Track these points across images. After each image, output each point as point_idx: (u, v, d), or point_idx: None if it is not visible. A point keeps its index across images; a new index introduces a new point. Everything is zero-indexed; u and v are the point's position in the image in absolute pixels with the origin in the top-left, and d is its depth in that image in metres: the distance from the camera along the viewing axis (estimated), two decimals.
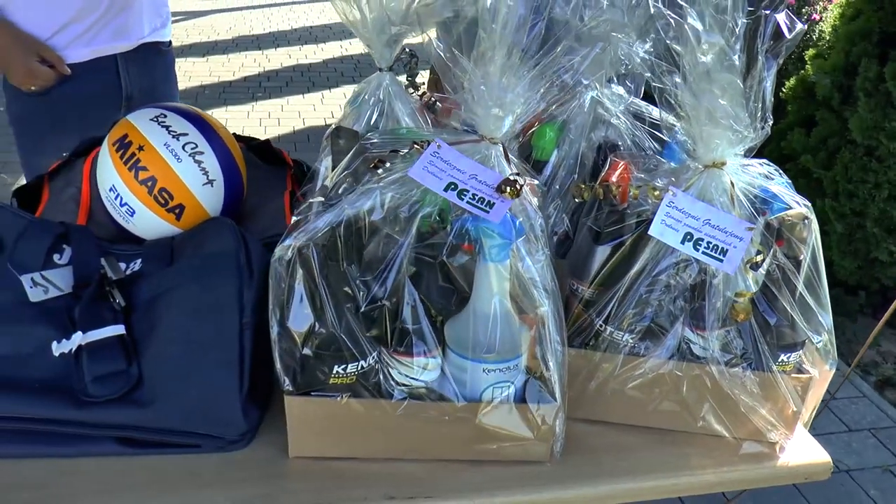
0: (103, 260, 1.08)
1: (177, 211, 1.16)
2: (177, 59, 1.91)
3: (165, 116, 1.18)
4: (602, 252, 1.09)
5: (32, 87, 1.82)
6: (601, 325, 1.07)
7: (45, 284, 1.05)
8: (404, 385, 0.97)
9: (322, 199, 0.95)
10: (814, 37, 3.36)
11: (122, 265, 1.09)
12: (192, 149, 1.15)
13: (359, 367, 0.95)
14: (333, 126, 1.18)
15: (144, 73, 1.96)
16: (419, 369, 0.96)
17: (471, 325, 0.94)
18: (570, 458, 1.03)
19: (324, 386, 0.95)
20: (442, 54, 0.94)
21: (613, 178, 1.11)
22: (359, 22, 1.18)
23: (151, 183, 1.14)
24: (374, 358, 0.96)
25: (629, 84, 1.27)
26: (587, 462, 1.04)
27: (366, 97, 1.23)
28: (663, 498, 1.06)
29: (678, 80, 1.01)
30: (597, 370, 1.07)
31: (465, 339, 0.95)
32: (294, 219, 0.95)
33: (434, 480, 0.98)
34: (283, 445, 1.01)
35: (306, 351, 0.92)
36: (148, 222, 1.16)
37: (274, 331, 0.94)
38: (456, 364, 0.97)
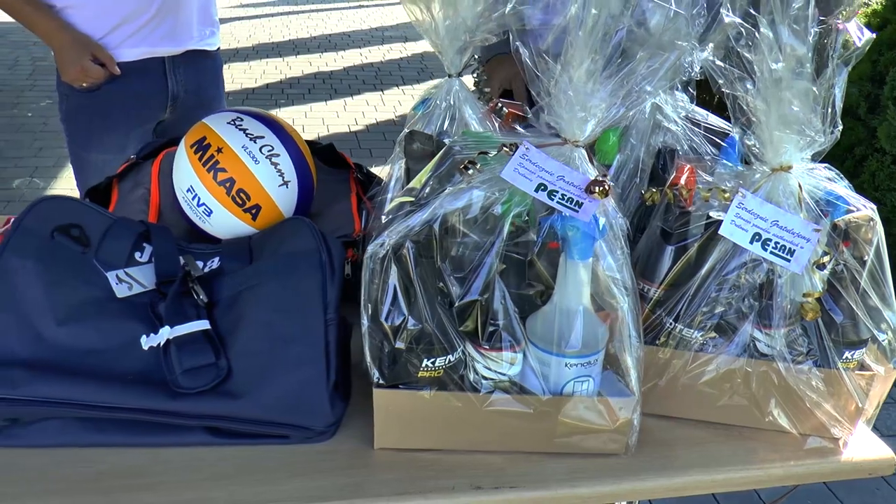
0: (181, 258, 1.12)
1: (253, 211, 1.19)
2: None
3: (242, 120, 1.21)
4: (672, 253, 1.12)
5: (84, 85, 1.87)
6: (670, 323, 1.11)
7: (130, 281, 1.09)
8: (490, 379, 1.00)
9: (411, 198, 0.99)
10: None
11: (200, 263, 1.13)
12: (268, 151, 1.19)
13: (447, 361, 0.98)
14: (407, 130, 1.22)
15: (191, 75, 2.01)
16: (506, 364, 0.99)
17: (556, 320, 0.98)
18: (643, 450, 1.06)
19: (411, 379, 0.98)
20: (528, 59, 0.97)
21: (682, 181, 1.14)
22: (432, 29, 1.22)
23: (230, 184, 1.18)
24: (460, 352, 0.99)
25: (691, 91, 1.31)
26: (660, 455, 1.07)
27: (437, 102, 1.26)
28: (727, 492, 1.09)
29: (749, 86, 1.05)
30: (667, 367, 1.10)
31: (549, 335, 0.98)
32: (384, 218, 0.98)
33: (515, 471, 1.01)
34: (365, 437, 1.04)
35: (398, 345, 0.95)
36: (224, 222, 1.20)
37: (364, 325, 0.98)
38: (539, 358, 1.00)
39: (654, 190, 1.15)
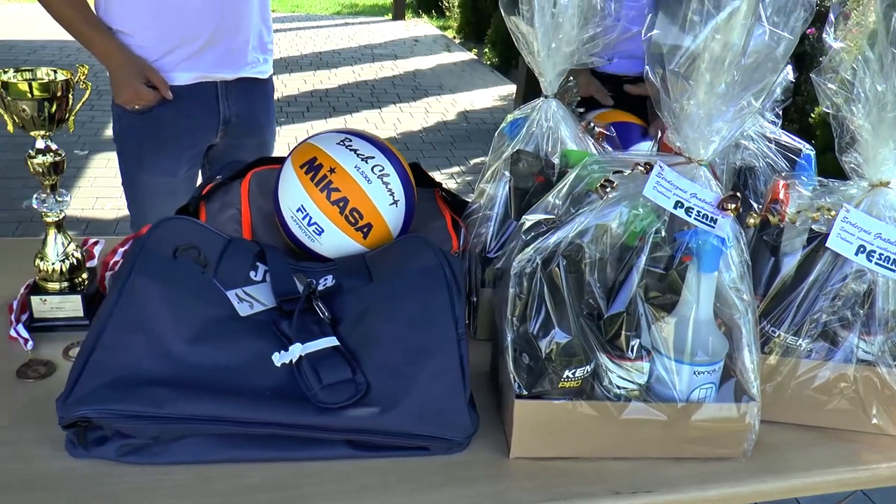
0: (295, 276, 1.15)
1: (365, 230, 1.23)
2: None
3: (351, 140, 1.25)
4: (774, 265, 1.17)
5: (136, 107, 1.90)
6: (773, 331, 1.16)
7: (250, 300, 1.12)
8: (623, 388, 1.04)
9: (548, 216, 1.03)
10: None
11: (311, 281, 1.16)
12: (379, 171, 1.23)
13: (586, 372, 1.02)
14: (514, 150, 1.26)
15: (243, 101, 2.04)
16: (637, 373, 1.03)
17: (688, 330, 1.02)
18: (757, 454, 1.11)
19: (553, 390, 1.02)
20: (657, 80, 1.02)
21: (780, 197, 1.20)
22: (534, 51, 1.26)
23: (343, 203, 1.21)
24: (594, 362, 1.03)
25: (777, 110, 1.36)
26: (773, 458, 1.12)
27: (537, 121, 1.30)
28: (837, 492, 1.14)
29: (854, 107, 1.11)
30: (774, 373, 1.15)
31: (680, 344, 1.03)
32: (525, 235, 1.02)
33: (646, 476, 1.05)
34: (497, 447, 1.08)
35: (546, 357, 0.99)
36: (335, 241, 1.23)
37: (507, 338, 1.02)
38: (667, 367, 1.04)
39: (754, 213, 1.19)
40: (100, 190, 4.57)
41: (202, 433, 1.00)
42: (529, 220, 1.05)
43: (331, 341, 1.05)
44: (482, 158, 5.44)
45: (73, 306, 1.29)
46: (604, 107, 2.02)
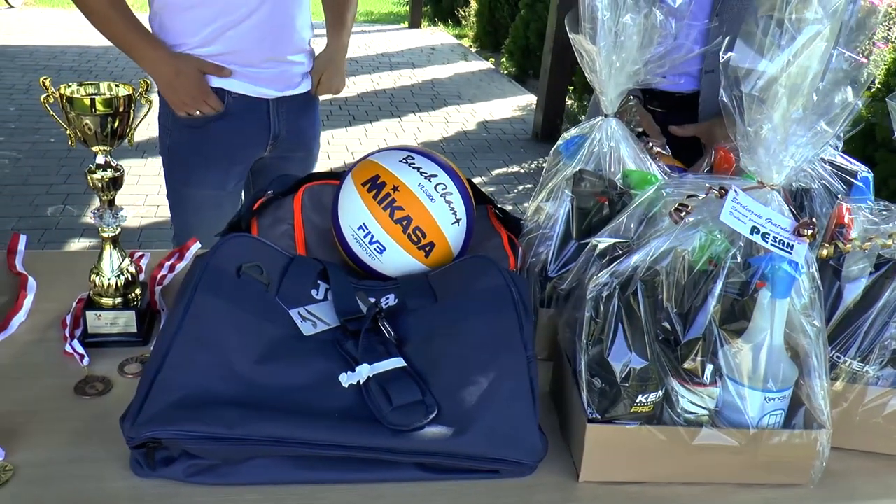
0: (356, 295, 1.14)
1: (427, 249, 1.22)
2: None
3: (413, 158, 1.24)
4: (839, 291, 1.16)
5: (197, 113, 1.89)
6: (838, 357, 1.14)
7: (313, 319, 1.11)
8: (692, 413, 1.03)
9: (621, 239, 1.02)
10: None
11: (372, 300, 1.15)
12: (442, 189, 1.22)
13: (657, 397, 1.01)
14: (577, 170, 1.25)
15: (293, 116, 2.04)
16: (709, 398, 1.02)
17: (761, 356, 1.01)
18: (824, 480, 1.09)
19: (626, 415, 1.01)
20: (730, 102, 1.01)
21: (845, 221, 1.18)
22: (596, 70, 1.26)
23: (406, 222, 1.20)
24: (665, 387, 1.02)
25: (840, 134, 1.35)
26: (841, 485, 1.11)
27: (598, 140, 1.30)
28: None
29: None
30: (840, 400, 1.14)
31: (752, 370, 1.02)
32: (600, 259, 1.01)
33: (717, 502, 1.04)
34: (563, 470, 1.07)
35: (622, 382, 0.98)
36: (397, 259, 1.22)
37: (581, 362, 1.01)
38: (739, 393, 1.03)
39: (828, 245, 1.18)
40: (123, 198, 4.55)
41: (272, 455, 0.99)
42: (602, 242, 1.04)
43: (398, 362, 1.04)
44: (504, 169, 5.43)
45: (126, 322, 1.29)
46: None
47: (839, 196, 1.36)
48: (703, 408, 1.03)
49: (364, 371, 1.02)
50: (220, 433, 0.94)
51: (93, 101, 1.17)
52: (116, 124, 1.19)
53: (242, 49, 1.89)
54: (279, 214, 1.41)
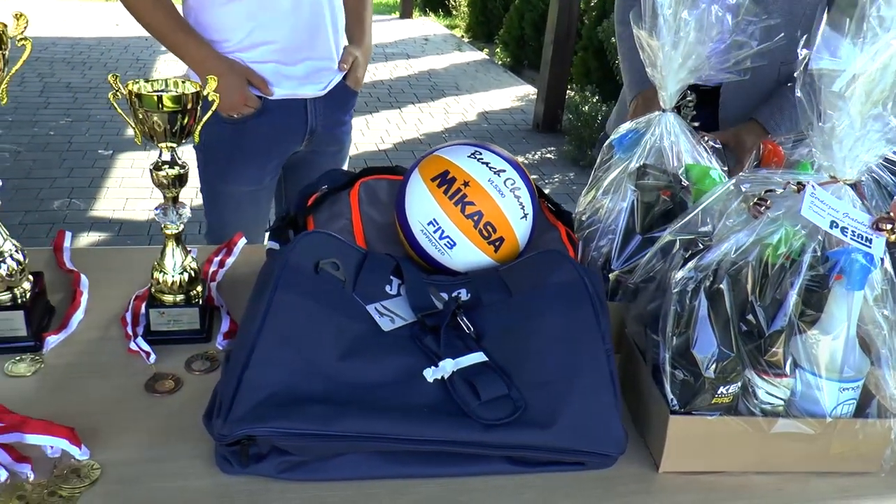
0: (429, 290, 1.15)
1: (497, 244, 1.23)
2: None
3: (481, 153, 1.25)
4: None
5: (237, 115, 1.89)
6: None
7: (390, 314, 1.12)
8: (768, 403, 1.05)
9: (700, 233, 1.04)
10: None
11: (444, 295, 1.16)
12: (511, 184, 1.23)
13: (737, 388, 1.03)
14: (640, 164, 1.27)
15: (329, 110, 2.05)
16: (785, 389, 1.04)
17: (838, 348, 1.03)
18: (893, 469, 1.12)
19: (707, 406, 1.02)
20: (806, 97, 1.02)
21: None
22: (658, 66, 1.27)
23: (478, 217, 1.21)
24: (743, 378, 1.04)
25: None
26: None
27: (657, 135, 1.31)
28: None
29: None
30: None
31: (828, 361, 1.04)
32: (681, 251, 1.03)
33: (792, 490, 1.06)
34: (639, 460, 1.09)
35: (708, 374, 0.99)
36: (467, 254, 1.23)
37: (662, 355, 1.02)
38: (815, 384, 1.05)
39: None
40: (128, 191, 4.56)
41: (362, 450, 1.00)
42: (681, 236, 1.06)
43: (479, 357, 1.06)
44: None
45: (190, 319, 1.29)
46: None
47: (883, 188, 1.38)
48: (779, 398, 1.05)
49: (448, 366, 1.03)
50: (315, 430, 0.95)
51: (160, 97, 1.16)
52: (186, 121, 1.18)
53: (279, 45, 1.89)
54: (335, 210, 1.41)
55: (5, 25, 1.12)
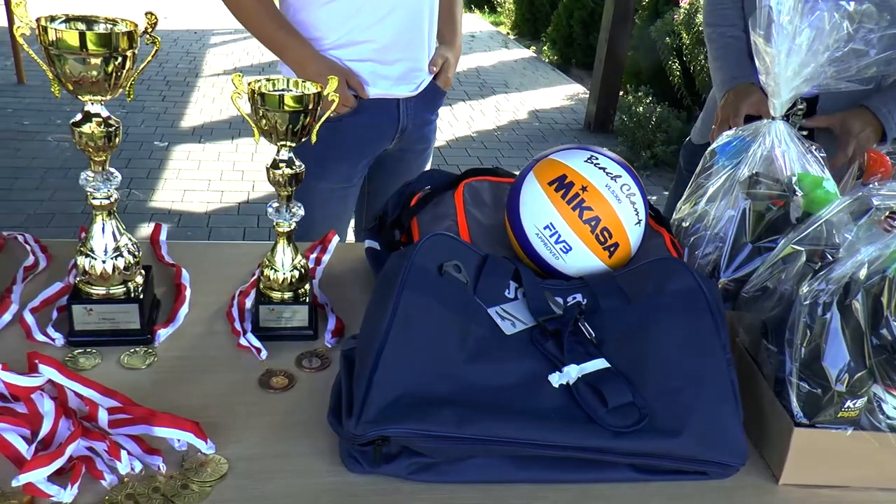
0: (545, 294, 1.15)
1: (611, 249, 1.23)
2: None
3: (597, 158, 1.25)
4: None
5: (334, 114, 1.92)
6: None
7: (511, 318, 1.12)
8: (893, 418, 1.04)
9: (820, 246, 1.03)
10: None
11: (559, 299, 1.16)
12: (626, 190, 1.23)
13: (863, 402, 1.02)
14: (752, 172, 1.26)
15: (419, 110, 2.06)
16: None
17: None
18: None
19: (832, 419, 1.02)
20: None
21: None
22: (772, 73, 1.26)
23: (595, 222, 1.21)
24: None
25: None
26: None
27: (767, 143, 1.30)
28: None
29: None
30: None
31: None
32: (808, 263, 1.02)
33: None
34: (758, 472, 1.09)
35: (838, 388, 0.99)
36: (583, 259, 1.23)
37: (788, 367, 1.02)
38: None
39: None
40: (185, 183, 4.61)
41: (493, 454, 1.00)
42: (806, 248, 1.05)
43: (602, 363, 1.06)
44: None
45: (300, 316, 1.30)
46: None
47: None
48: None
49: (573, 372, 1.03)
50: (448, 432, 0.96)
51: (282, 97, 1.18)
52: (307, 120, 1.20)
53: (377, 45, 1.91)
54: (439, 211, 1.42)
55: (136, 25, 1.13)
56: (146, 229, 3.94)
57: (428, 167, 2.25)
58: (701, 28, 5.43)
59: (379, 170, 2.15)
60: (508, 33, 10.16)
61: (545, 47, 8.82)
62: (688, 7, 5.72)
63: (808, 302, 1.00)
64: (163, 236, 1.60)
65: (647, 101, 5.88)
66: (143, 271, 1.30)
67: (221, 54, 7.95)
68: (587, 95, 6.80)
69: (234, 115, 5.91)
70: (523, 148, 5.62)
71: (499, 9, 10.96)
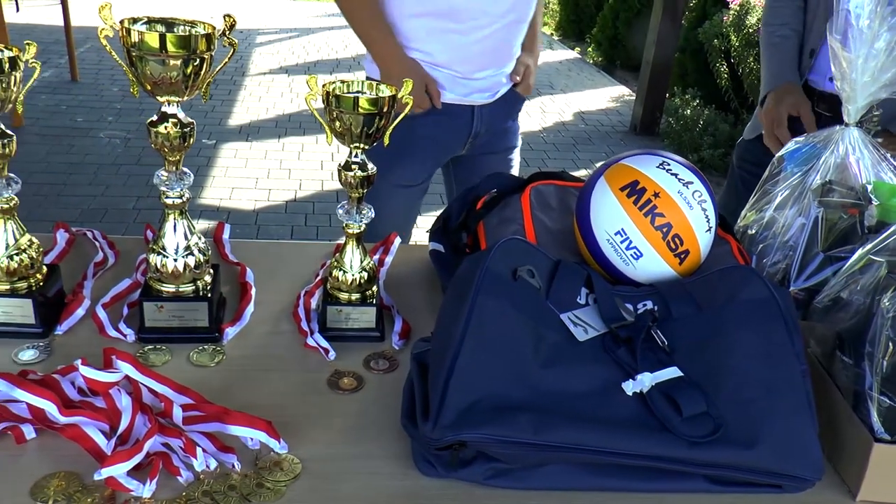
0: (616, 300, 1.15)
1: (682, 256, 1.22)
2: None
3: (669, 164, 1.24)
4: None
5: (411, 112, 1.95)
6: None
7: (583, 324, 1.11)
8: None
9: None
10: None
11: (629, 306, 1.15)
12: (698, 197, 1.22)
13: None
14: (825, 180, 1.24)
15: (495, 116, 2.07)
16: None
17: None
18: None
19: None
20: None
21: None
22: (849, 79, 1.24)
23: (666, 229, 1.20)
24: None
25: None
26: None
27: (839, 150, 1.28)
28: None
29: None
30: None
31: None
32: (891, 274, 1.00)
33: None
34: (833, 487, 1.07)
35: None
36: (653, 266, 1.22)
37: (868, 381, 1.00)
38: None
39: None
40: (233, 181, 4.66)
41: (567, 461, 1.00)
42: (887, 259, 1.03)
43: (675, 371, 1.05)
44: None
45: (367, 318, 1.31)
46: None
47: None
48: None
49: (647, 380, 1.03)
50: (526, 438, 0.96)
51: (356, 99, 1.18)
52: (381, 123, 1.20)
53: (461, 61, 1.92)
54: (505, 214, 1.41)
55: (214, 28, 1.15)
56: (197, 226, 3.96)
57: (516, 171, 2.25)
58: (751, 30, 5.36)
59: (463, 172, 2.15)
60: (553, 34, 10.12)
61: (590, 48, 8.77)
62: (738, 8, 5.65)
63: (891, 315, 0.98)
64: (226, 235, 1.62)
65: (695, 103, 5.83)
66: (211, 270, 1.32)
67: (267, 53, 8.02)
68: (632, 97, 6.75)
69: (281, 113, 5.96)
70: (569, 150, 5.60)
71: (543, 9, 10.93)
